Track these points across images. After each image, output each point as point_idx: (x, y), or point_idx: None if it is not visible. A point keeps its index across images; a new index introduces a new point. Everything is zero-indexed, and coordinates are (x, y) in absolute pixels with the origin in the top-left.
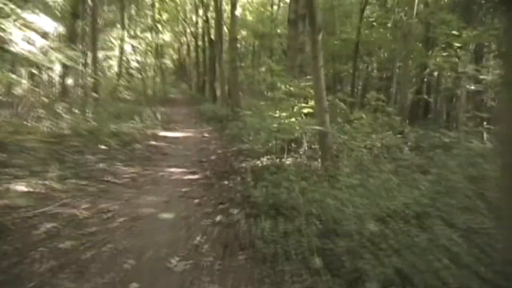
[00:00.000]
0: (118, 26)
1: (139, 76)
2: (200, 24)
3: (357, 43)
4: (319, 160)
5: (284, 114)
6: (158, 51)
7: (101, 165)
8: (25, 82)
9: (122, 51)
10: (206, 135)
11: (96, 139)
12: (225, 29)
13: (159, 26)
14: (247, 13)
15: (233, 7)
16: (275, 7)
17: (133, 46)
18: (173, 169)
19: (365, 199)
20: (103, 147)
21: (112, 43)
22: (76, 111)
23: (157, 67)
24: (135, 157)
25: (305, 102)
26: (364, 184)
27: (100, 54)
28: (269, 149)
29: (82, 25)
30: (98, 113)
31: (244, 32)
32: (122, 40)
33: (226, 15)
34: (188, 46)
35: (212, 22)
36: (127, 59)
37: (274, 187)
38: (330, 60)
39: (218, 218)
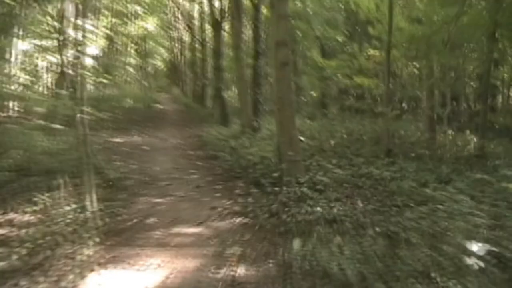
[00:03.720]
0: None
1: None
2: (196, 9)
3: None
4: None
5: None
6: (140, 46)
7: None
8: None
9: (62, 41)
10: None
11: None
12: None
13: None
14: None
15: None
16: None
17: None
18: None
19: None
20: None
21: (54, 27)
22: None
23: (141, 69)
24: None
25: None
26: None
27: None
28: None
29: None
30: None
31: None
32: (62, 19)
33: None
34: (181, 41)
35: None
36: (78, 53)
37: None
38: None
39: None
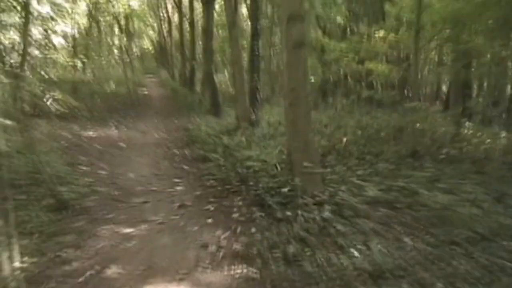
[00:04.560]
0: None
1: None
2: None
3: None
4: None
5: None
6: (126, 26)
7: None
8: None
9: (27, 16)
10: None
11: None
12: None
13: None
14: None
15: None
16: None
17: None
18: None
19: None
20: None
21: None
22: None
23: (127, 50)
24: None
25: None
26: None
27: None
28: None
29: None
30: None
31: None
32: None
33: None
34: (169, 21)
35: None
36: (46, 31)
37: None
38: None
39: None
